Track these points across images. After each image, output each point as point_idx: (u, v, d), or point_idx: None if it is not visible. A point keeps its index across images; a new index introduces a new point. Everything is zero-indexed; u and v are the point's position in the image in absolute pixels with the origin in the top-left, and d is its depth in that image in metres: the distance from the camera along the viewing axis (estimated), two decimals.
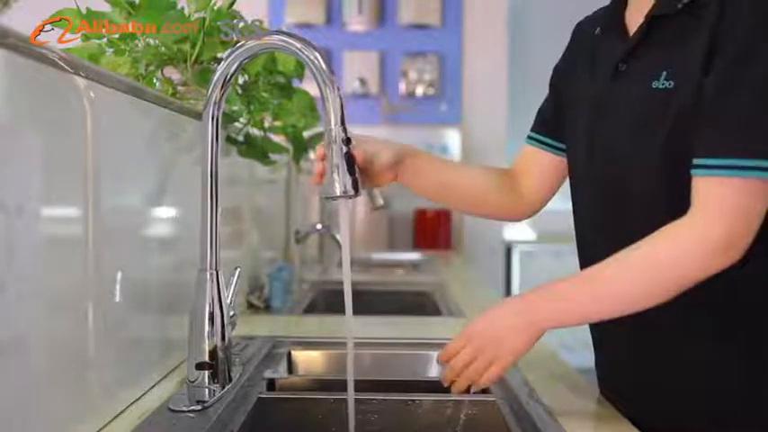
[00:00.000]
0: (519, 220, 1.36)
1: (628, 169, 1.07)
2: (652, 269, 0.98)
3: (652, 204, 1.05)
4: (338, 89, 1.03)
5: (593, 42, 1.19)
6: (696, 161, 0.96)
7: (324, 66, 1.02)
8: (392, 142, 1.21)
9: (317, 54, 1.02)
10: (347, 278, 1.04)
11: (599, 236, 1.14)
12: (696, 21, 0.99)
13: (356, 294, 1.10)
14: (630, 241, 1.03)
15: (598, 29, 1.19)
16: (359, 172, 1.06)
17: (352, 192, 1.04)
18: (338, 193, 1.04)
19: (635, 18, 1.10)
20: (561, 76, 1.28)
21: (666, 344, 1.07)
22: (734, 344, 1.02)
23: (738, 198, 0.94)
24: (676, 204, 1.01)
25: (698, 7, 0.99)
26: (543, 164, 1.29)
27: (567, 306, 1.03)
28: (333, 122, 1.03)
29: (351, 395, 1.04)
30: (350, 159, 1.04)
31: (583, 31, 1.25)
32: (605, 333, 1.17)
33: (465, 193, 1.31)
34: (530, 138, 1.32)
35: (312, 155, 2.72)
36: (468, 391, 1.09)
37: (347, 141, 1.04)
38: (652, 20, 1.05)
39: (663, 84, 1.01)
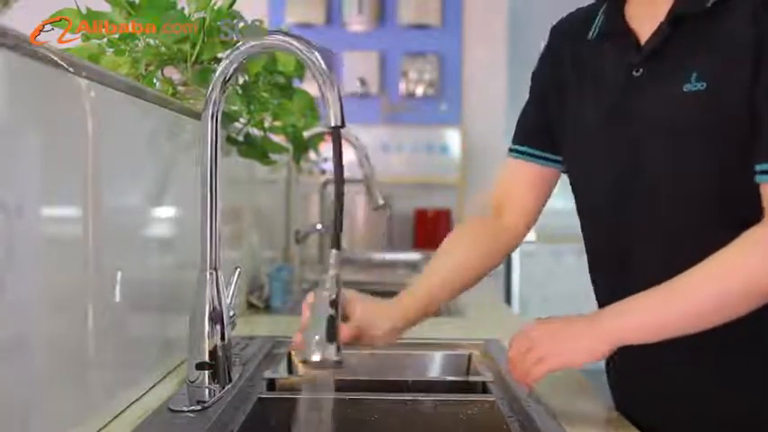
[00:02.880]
0: (517, 246, 1.30)
1: (664, 177, 1.03)
2: (725, 283, 0.94)
3: (693, 209, 1.02)
4: (338, 90, 1.02)
5: (587, 49, 1.14)
6: (759, 166, 0.94)
7: (324, 66, 1.01)
8: (388, 308, 1.15)
9: (317, 54, 1.01)
10: None
11: (632, 253, 1.09)
12: (729, 18, 0.97)
13: None
14: (675, 250, 1.01)
15: (593, 33, 1.13)
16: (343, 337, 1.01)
17: (333, 359, 0.96)
18: (316, 360, 0.96)
19: (641, 18, 1.06)
20: (548, 88, 1.21)
21: (673, 346, 1.06)
22: (742, 344, 1.01)
23: None
24: (717, 208, 1.00)
25: (730, 3, 0.97)
26: (530, 176, 1.24)
27: (640, 323, 0.98)
28: (333, 121, 1.02)
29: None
30: (332, 325, 0.97)
31: (564, 35, 1.20)
32: None
33: (466, 281, 1.23)
34: (513, 151, 1.26)
35: (312, 155, 2.72)
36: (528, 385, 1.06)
37: (334, 303, 0.98)
38: (675, 19, 1.02)
39: (695, 86, 0.98)
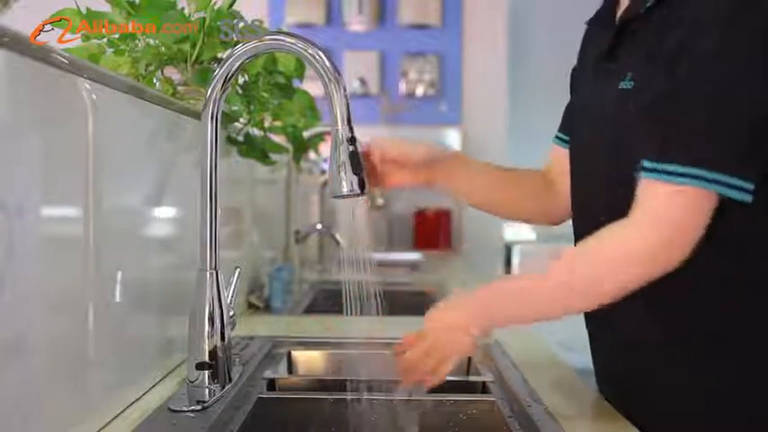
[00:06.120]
0: (557, 223, 1.33)
1: (594, 167, 1.09)
2: (595, 269, 0.99)
3: (615, 211, 1.03)
4: (344, 88, 1.03)
5: (589, 36, 1.22)
6: (643, 162, 0.95)
7: (329, 64, 1.02)
8: (426, 143, 1.19)
9: (320, 53, 1.02)
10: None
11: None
12: (658, 22, 0.99)
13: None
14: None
15: (594, 21, 1.20)
16: (366, 171, 1.07)
17: (358, 190, 1.05)
18: (345, 192, 1.04)
19: (621, 11, 1.11)
20: (574, 76, 1.29)
21: (649, 342, 1.07)
22: (716, 342, 1.02)
23: (674, 206, 0.93)
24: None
25: (661, 10, 0.99)
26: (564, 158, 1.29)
27: (516, 306, 1.05)
28: (339, 122, 1.03)
29: None
30: (355, 158, 1.05)
31: (588, 27, 1.26)
32: (596, 331, 1.18)
33: (503, 197, 1.29)
34: (556, 137, 1.32)
35: (312, 155, 2.72)
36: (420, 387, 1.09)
37: (352, 140, 1.05)
38: (624, 22, 1.06)
39: (626, 84, 1.02)
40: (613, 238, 0.98)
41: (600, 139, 1.08)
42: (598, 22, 1.18)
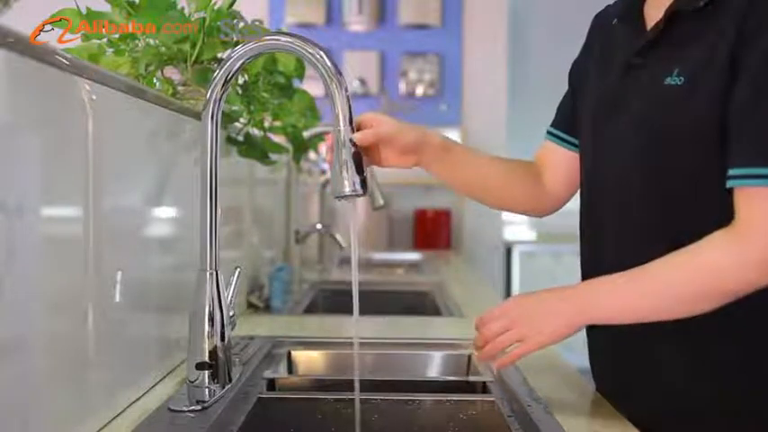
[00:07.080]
0: (542, 215, 1.33)
1: (628, 167, 1.07)
2: (694, 276, 0.96)
3: (650, 207, 1.04)
4: (346, 88, 1.03)
5: (609, 33, 1.18)
6: (732, 171, 0.94)
7: (330, 64, 1.02)
8: (415, 125, 1.18)
9: (321, 53, 1.02)
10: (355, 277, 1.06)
11: (602, 236, 1.14)
12: (717, 19, 0.97)
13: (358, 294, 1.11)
14: (634, 244, 1.04)
15: (615, 19, 1.17)
16: (367, 170, 1.08)
17: (360, 190, 1.05)
18: (347, 192, 1.05)
19: (653, 11, 1.09)
20: (577, 70, 1.27)
21: (641, 341, 1.08)
22: (703, 341, 1.03)
23: None
24: (675, 209, 1.01)
25: (720, 4, 0.98)
26: (561, 160, 1.28)
27: (610, 303, 1.03)
28: (341, 122, 1.04)
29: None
30: (358, 159, 1.06)
31: (600, 24, 1.24)
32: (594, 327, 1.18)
33: (489, 184, 1.28)
34: (548, 133, 1.31)
35: (312, 155, 2.72)
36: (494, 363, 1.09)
37: (354, 141, 1.05)
38: (671, 15, 1.03)
39: (674, 80, 1.00)
40: (719, 248, 0.95)
41: (632, 132, 1.06)
42: (622, 17, 1.15)
